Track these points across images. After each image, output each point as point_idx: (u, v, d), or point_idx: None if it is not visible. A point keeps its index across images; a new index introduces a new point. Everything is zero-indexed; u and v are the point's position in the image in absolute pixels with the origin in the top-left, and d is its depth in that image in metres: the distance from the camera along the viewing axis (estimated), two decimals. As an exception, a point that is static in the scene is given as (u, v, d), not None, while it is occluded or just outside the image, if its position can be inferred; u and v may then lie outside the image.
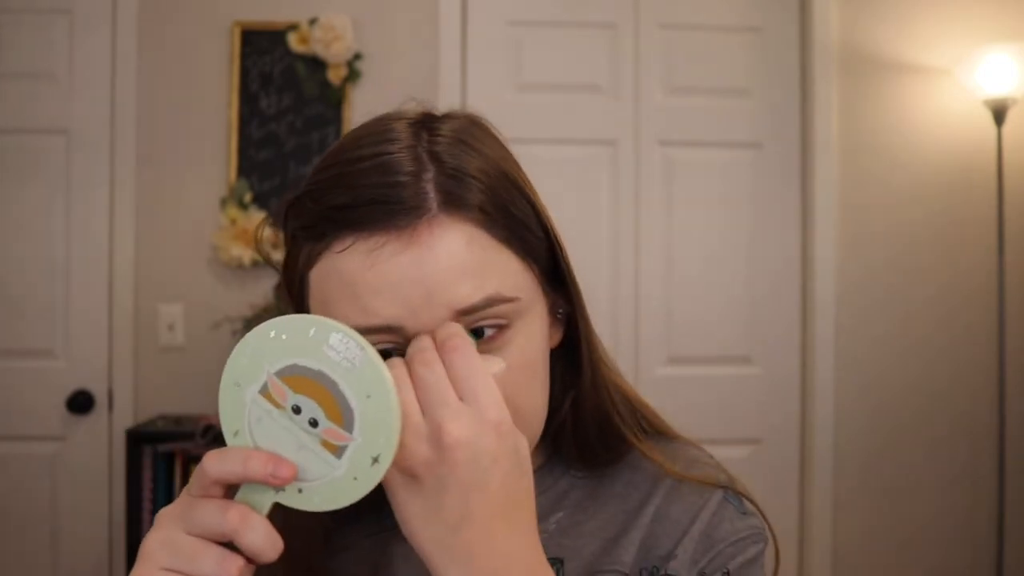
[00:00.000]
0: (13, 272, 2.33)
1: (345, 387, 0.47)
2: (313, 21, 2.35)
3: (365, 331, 0.51)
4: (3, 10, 2.33)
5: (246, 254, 2.31)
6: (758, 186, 2.48)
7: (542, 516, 0.62)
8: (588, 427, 0.65)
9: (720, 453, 0.72)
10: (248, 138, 2.38)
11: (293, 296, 0.60)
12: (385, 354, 0.53)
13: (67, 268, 2.35)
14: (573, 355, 0.65)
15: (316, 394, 0.47)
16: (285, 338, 0.48)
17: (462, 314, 0.54)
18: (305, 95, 2.39)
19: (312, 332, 0.47)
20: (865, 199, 2.44)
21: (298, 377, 0.47)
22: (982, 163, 2.40)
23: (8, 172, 2.34)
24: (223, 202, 2.35)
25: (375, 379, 0.47)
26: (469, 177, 0.56)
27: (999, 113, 2.27)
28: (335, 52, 2.34)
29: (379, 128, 0.58)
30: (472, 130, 0.60)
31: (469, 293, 0.54)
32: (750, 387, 2.47)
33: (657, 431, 0.70)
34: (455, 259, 0.54)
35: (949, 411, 2.44)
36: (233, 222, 2.32)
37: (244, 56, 2.38)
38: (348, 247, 0.54)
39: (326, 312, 0.55)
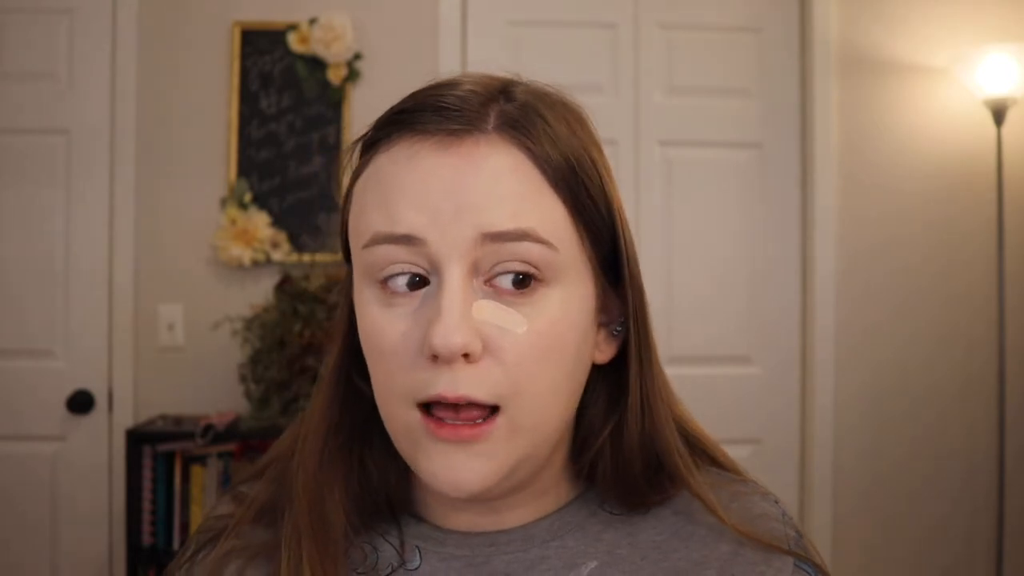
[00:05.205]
0: (13, 272, 2.33)
1: None
2: (313, 21, 2.35)
3: (387, 240, 0.50)
4: (3, 10, 2.33)
5: (246, 254, 2.30)
6: (758, 186, 2.47)
7: (571, 562, 0.55)
8: (633, 460, 0.56)
9: (720, 453, 0.71)
10: (248, 138, 2.38)
11: (342, 230, 0.57)
12: (413, 284, 0.51)
13: (67, 268, 2.34)
14: (624, 375, 0.56)
15: None
16: None
17: (489, 239, 0.49)
18: (305, 95, 2.38)
19: None
20: (865, 199, 2.44)
21: None
22: (982, 163, 2.40)
23: (8, 172, 2.33)
24: (223, 202, 2.35)
25: None
26: (537, 117, 0.52)
27: (999, 113, 2.27)
28: (335, 52, 2.34)
29: (467, 72, 0.56)
30: (562, 100, 0.57)
31: (502, 218, 0.49)
32: (750, 387, 2.47)
33: (719, 468, 0.63)
34: (496, 181, 0.50)
35: (949, 410, 2.44)
36: (233, 222, 2.32)
37: (244, 56, 2.38)
38: (392, 147, 0.52)
39: (358, 224, 0.53)
